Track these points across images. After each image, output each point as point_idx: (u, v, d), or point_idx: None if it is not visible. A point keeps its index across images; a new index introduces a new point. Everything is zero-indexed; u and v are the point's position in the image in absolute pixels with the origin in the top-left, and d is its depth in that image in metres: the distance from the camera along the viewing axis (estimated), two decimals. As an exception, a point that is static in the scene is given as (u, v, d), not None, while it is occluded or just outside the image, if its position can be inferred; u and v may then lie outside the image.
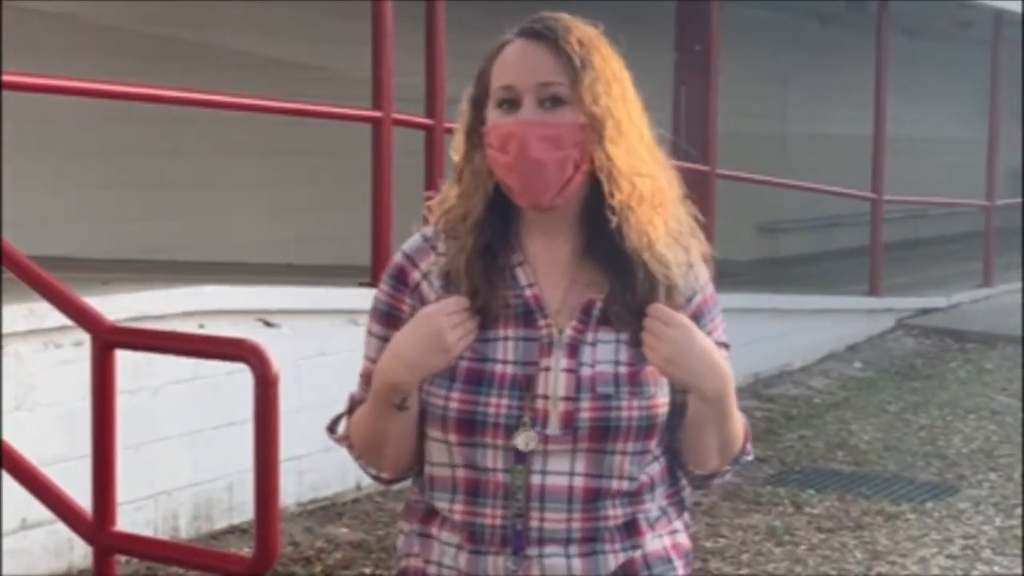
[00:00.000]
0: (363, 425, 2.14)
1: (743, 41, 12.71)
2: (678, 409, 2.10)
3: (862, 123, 12.46)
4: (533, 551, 2.05)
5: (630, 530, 2.09)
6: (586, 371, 2.04)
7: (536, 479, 2.04)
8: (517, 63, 2.06)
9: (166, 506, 5.62)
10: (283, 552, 5.22)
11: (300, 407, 5.30)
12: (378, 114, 6.24)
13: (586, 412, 2.03)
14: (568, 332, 2.06)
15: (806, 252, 14.89)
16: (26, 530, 5.01)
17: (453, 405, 2.04)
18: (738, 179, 10.48)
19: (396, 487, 3.10)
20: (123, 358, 3.83)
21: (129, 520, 5.00)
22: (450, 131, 5.48)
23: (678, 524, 2.18)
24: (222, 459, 5.72)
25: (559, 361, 2.05)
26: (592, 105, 2.03)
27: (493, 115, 2.07)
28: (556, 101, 2.03)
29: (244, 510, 5.70)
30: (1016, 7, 13.78)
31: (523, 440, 2.03)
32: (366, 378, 2.15)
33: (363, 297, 5.55)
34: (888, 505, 6.55)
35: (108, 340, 3.75)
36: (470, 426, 2.04)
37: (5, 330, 4.89)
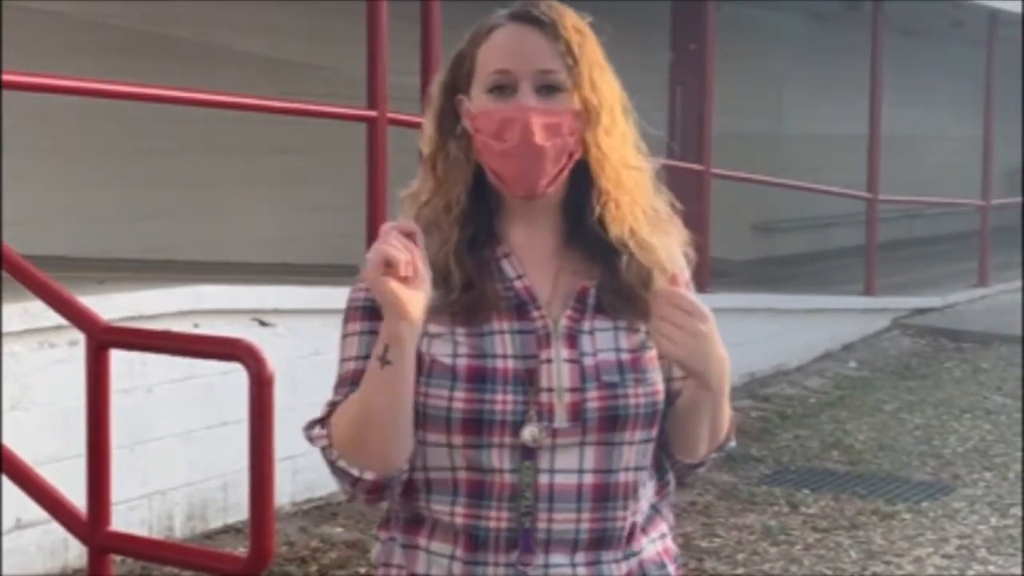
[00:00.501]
0: (349, 412, 1.97)
1: (739, 40, 12.71)
2: (669, 397, 2.06)
3: (857, 122, 12.47)
4: (539, 559, 1.98)
5: (630, 535, 2.04)
6: (589, 360, 2.00)
7: (544, 478, 1.97)
8: (513, 48, 2.00)
9: (161, 506, 5.62)
10: (278, 552, 5.22)
11: (295, 407, 5.26)
12: (373, 113, 6.23)
13: (594, 402, 1.98)
14: (564, 322, 2.01)
15: (802, 252, 14.89)
16: (21, 530, 5.01)
17: (458, 405, 1.96)
18: (734, 178, 10.48)
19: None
20: (118, 358, 3.83)
21: (124, 520, 5.00)
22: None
23: (665, 527, 2.13)
24: (217, 459, 5.71)
25: (560, 352, 2.00)
26: (589, 93, 2.00)
27: (482, 100, 2.01)
28: (552, 88, 1.99)
29: (239, 510, 5.69)
30: (1011, 6, 13.78)
31: (530, 435, 1.96)
32: (348, 380, 2.02)
33: (358, 296, 5.53)
34: (883, 504, 6.55)
35: (103, 340, 3.74)
36: (476, 426, 1.96)
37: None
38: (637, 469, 2.03)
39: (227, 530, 5.82)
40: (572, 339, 2.00)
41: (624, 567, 2.03)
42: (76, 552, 4.97)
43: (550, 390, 1.98)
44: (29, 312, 4.89)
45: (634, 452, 2.02)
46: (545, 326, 2.01)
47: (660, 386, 2.03)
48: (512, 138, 1.98)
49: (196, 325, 5.57)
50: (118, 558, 4.63)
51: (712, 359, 1.95)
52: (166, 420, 5.57)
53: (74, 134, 7.97)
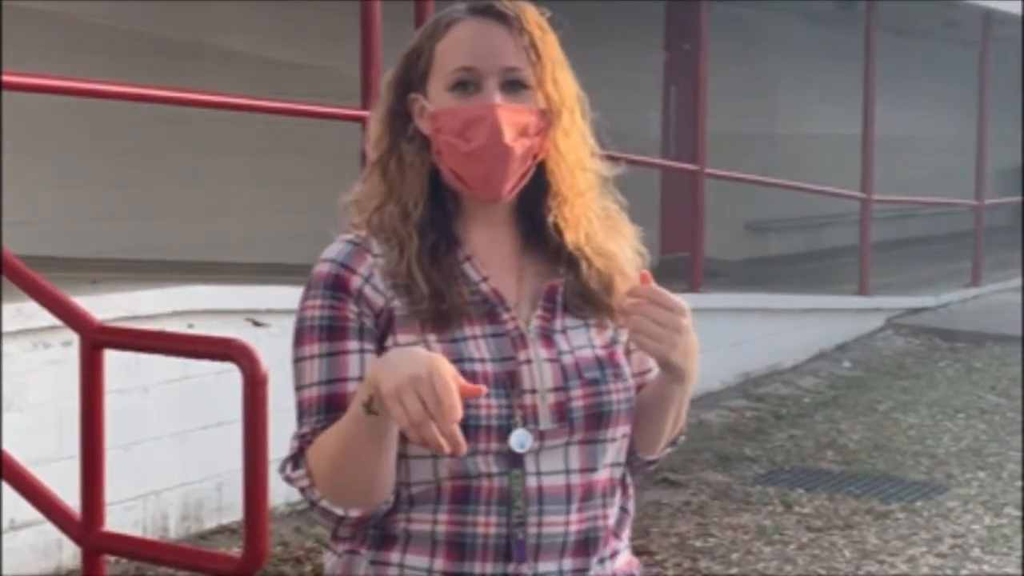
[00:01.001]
0: (330, 454, 1.85)
1: (732, 40, 12.72)
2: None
3: (851, 122, 12.49)
4: (528, 568, 1.90)
5: (607, 537, 1.99)
6: (568, 359, 1.94)
7: (532, 481, 1.90)
8: (477, 44, 1.92)
9: (155, 506, 5.61)
10: (272, 552, 5.21)
11: (289, 407, 5.25)
12: (367, 113, 6.23)
13: (579, 400, 1.93)
14: (536, 322, 1.95)
15: (795, 251, 14.91)
16: (15, 530, 5.00)
17: None
18: (727, 178, 10.49)
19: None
20: (112, 358, 3.82)
21: (118, 520, 4.99)
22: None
23: (626, 538, 2.06)
24: (211, 459, 5.71)
25: (538, 352, 1.93)
26: (552, 91, 1.93)
27: (444, 99, 1.92)
28: (517, 86, 1.92)
29: (233, 510, 5.68)
30: (1004, 6, 13.81)
31: (517, 440, 1.89)
32: (313, 410, 1.91)
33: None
34: (877, 504, 6.55)
35: (96, 340, 3.74)
36: (463, 432, 1.81)
37: (-7, 330, 4.89)
38: (615, 465, 2.00)
39: (221, 530, 5.82)
40: (548, 339, 1.95)
41: (608, 567, 1.99)
42: (70, 553, 4.97)
43: (533, 391, 1.92)
44: (23, 312, 4.88)
45: (614, 449, 1.98)
46: (517, 327, 1.94)
47: (632, 379, 2.00)
48: (479, 137, 1.90)
49: (190, 325, 5.57)
50: (112, 559, 4.63)
51: (692, 352, 1.93)
52: (160, 420, 5.57)
53: (67, 134, 7.96)
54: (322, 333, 1.92)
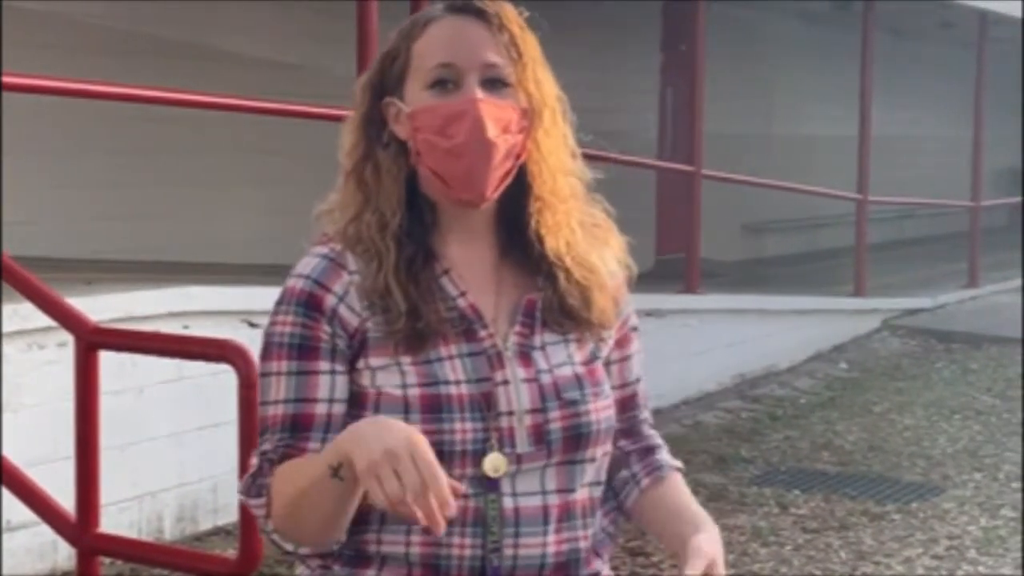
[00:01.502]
0: (289, 494, 1.79)
1: (729, 41, 12.72)
2: (618, 405, 1.98)
3: (847, 123, 12.49)
4: None
5: (587, 557, 1.94)
6: (546, 378, 1.88)
7: (508, 502, 1.84)
8: (456, 40, 1.86)
9: (150, 507, 5.60)
10: (267, 554, 5.20)
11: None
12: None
13: (557, 422, 1.87)
14: (514, 339, 1.88)
15: (792, 252, 14.91)
16: (10, 532, 4.99)
17: None
18: (724, 179, 10.48)
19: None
20: (107, 359, 3.82)
21: (113, 521, 4.99)
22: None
23: (607, 559, 2.01)
24: (207, 460, 5.70)
25: (516, 372, 1.86)
26: (534, 89, 1.87)
27: (423, 97, 1.86)
28: (498, 83, 1.86)
29: (229, 511, 5.68)
30: (1001, 7, 13.81)
31: (491, 465, 1.83)
32: (277, 427, 1.85)
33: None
34: (873, 505, 6.55)
35: (92, 341, 3.74)
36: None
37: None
38: (595, 484, 1.95)
39: (217, 532, 5.81)
40: (526, 357, 1.88)
41: None
42: (65, 554, 4.96)
43: (510, 413, 1.85)
44: (19, 313, 4.88)
45: (593, 468, 1.93)
46: (494, 345, 1.87)
47: (611, 397, 1.96)
48: (460, 133, 1.83)
49: (186, 326, 5.57)
50: (107, 560, 4.62)
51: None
52: (156, 421, 5.56)
53: (62, 134, 7.95)
54: (292, 351, 1.86)
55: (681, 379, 8.64)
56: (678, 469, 2.08)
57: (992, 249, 14.46)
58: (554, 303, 1.91)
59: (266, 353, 1.89)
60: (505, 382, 1.86)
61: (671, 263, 10.24)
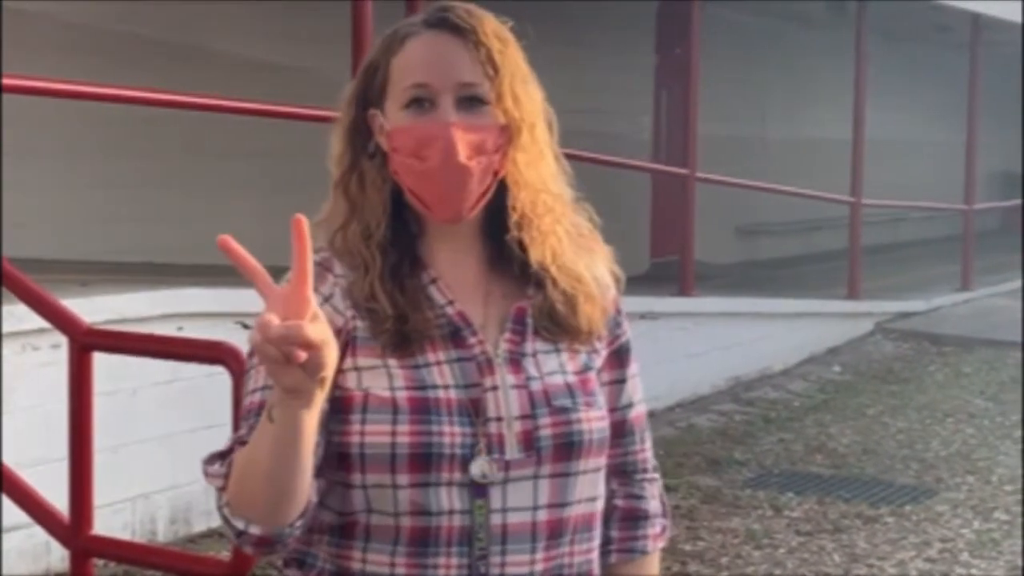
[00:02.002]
0: (239, 460, 1.79)
1: (723, 44, 12.73)
2: (612, 429, 1.95)
3: (842, 126, 12.50)
4: None
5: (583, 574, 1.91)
6: (536, 385, 1.86)
7: (497, 518, 1.81)
8: (431, 59, 1.85)
9: (144, 509, 5.60)
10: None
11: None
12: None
13: (547, 429, 1.84)
14: (504, 346, 1.87)
15: (786, 255, 14.90)
16: (3, 533, 4.99)
17: (403, 440, 1.79)
18: (718, 182, 10.49)
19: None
20: (101, 360, 3.82)
21: (106, 523, 4.98)
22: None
23: None
24: (201, 462, 5.69)
25: (505, 378, 1.85)
26: (511, 107, 1.85)
27: (399, 116, 1.85)
28: (474, 101, 1.84)
29: (222, 513, 5.67)
30: (995, 11, 13.83)
31: (479, 469, 1.81)
32: (252, 414, 1.84)
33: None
34: (867, 508, 6.56)
35: (85, 342, 3.73)
36: (425, 461, 1.78)
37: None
38: (590, 500, 1.91)
39: (210, 534, 5.80)
40: (516, 363, 1.86)
41: None
42: (58, 556, 4.95)
43: (499, 419, 1.83)
44: (13, 315, 4.87)
45: (587, 482, 1.89)
46: (484, 352, 1.86)
47: (605, 408, 1.93)
48: (433, 157, 1.83)
49: (180, 328, 5.57)
50: (100, 562, 4.62)
51: None
52: (149, 423, 5.56)
53: (56, 136, 7.94)
54: None
55: (675, 381, 8.65)
56: (660, 534, 2.05)
57: (985, 252, 14.48)
58: (544, 311, 1.90)
59: (250, 349, 1.88)
60: (494, 388, 1.85)
61: (665, 266, 10.26)
